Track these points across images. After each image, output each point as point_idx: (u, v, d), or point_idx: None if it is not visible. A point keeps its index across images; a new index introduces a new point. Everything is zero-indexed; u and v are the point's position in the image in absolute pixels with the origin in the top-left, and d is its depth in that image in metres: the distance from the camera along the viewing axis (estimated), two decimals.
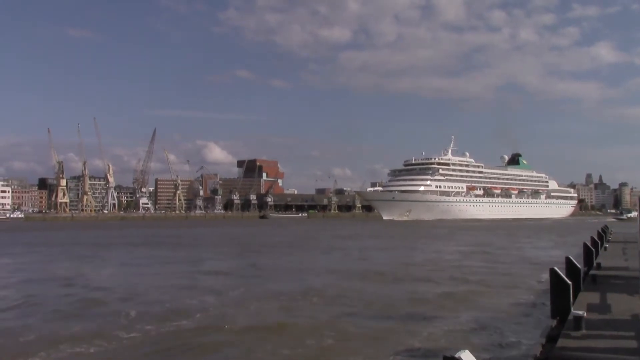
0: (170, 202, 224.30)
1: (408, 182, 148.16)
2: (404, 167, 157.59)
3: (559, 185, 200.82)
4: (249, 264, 31.81)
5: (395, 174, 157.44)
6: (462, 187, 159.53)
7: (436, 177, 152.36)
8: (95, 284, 24.29)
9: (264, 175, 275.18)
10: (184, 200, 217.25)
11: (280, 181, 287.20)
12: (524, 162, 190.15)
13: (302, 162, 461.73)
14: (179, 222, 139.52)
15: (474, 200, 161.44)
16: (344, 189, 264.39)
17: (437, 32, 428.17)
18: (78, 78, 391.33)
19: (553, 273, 10.76)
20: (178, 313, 17.02)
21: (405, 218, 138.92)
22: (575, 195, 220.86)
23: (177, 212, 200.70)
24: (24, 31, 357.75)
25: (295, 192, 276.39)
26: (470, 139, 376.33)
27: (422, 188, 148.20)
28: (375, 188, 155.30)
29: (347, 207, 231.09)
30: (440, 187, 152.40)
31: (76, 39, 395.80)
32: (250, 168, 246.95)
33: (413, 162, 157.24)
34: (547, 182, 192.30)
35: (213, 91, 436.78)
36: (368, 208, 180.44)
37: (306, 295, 20.33)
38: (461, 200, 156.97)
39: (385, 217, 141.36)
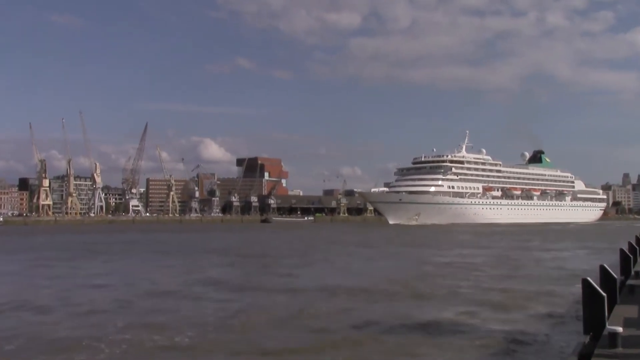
0: (163, 204, 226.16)
1: (417, 182, 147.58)
2: (412, 166, 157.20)
3: (587, 186, 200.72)
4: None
5: (403, 172, 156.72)
6: (478, 188, 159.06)
7: (448, 177, 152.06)
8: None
9: (266, 174, 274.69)
10: (178, 202, 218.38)
11: (284, 181, 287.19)
12: (547, 160, 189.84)
13: (308, 160, 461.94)
14: (172, 227, 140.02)
15: (491, 203, 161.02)
16: (354, 190, 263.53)
17: (455, 17, 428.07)
18: (62, 68, 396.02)
19: (585, 284, 10.56)
20: None
21: (414, 222, 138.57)
22: (604, 197, 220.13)
23: (170, 215, 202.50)
24: (2, 17, 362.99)
25: (301, 194, 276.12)
26: (487, 135, 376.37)
27: (432, 189, 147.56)
28: (381, 189, 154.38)
29: (357, 210, 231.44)
30: (453, 187, 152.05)
31: (59, 25, 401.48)
32: (251, 167, 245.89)
33: (423, 159, 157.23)
34: (572, 182, 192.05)
35: (210, 82, 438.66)
36: None
37: None
38: (477, 202, 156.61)
39: (391, 222, 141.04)
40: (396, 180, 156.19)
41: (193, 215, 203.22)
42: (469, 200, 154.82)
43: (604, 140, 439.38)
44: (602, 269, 13.28)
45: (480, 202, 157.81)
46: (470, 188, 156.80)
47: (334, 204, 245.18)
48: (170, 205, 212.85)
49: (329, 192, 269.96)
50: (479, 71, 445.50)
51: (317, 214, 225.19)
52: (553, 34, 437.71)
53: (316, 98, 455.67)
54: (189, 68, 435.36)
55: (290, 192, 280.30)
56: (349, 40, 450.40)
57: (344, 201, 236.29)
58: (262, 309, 20.41)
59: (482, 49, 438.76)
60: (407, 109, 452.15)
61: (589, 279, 10.65)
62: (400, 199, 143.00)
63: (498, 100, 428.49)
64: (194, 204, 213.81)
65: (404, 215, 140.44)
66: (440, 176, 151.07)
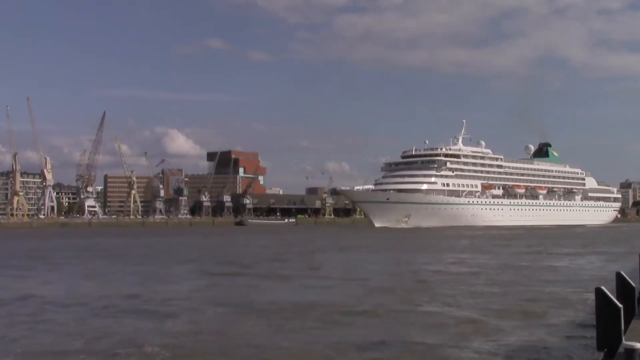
0: (123, 204, 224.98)
1: (407, 179, 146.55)
2: (401, 160, 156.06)
3: (599, 184, 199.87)
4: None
5: (391, 168, 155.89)
6: (476, 186, 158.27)
7: (443, 173, 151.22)
8: None
9: (241, 170, 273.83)
10: (141, 202, 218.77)
11: (261, 178, 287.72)
12: (555, 154, 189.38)
13: (289, 154, 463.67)
14: (133, 230, 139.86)
15: (491, 203, 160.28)
16: (342, 188, 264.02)
17: None
18: (7, 50, 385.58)
19: (599, 294, 10.75)
20: None
21: (403, 225, 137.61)
22: (619, 196, 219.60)
23: (131, 217, 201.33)
24: None
25: (281, 192, 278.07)
26: (488, 125, 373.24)
27: (424, 186, 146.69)
28: (366, 186, 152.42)
29: (345, 211, 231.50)
30: (447, 185, 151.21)
31: (4, 1, 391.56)
32: (224, 162, 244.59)
33: (414, 153, 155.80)
34: (583, 179, 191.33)
35: (177, 65, 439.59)
36: None
37: None
38: (475, 202, 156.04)
39: (377, 224, 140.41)
40: (383, 177, 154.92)
41: (157, 216, 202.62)
42: (466, 200, 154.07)
43: (621, 132, 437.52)
44: (619, 277, 13.35)
45: (479, 202, 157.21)
46: (467, 186, 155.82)
47: (318, 204, 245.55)
48: (132, 205, 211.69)
49: (312, 191, 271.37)
50: (482, 54, 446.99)
51: (300, 216, 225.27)
52: (565, 12, 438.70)
53: (298, 83, 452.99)
54: (153, 49, 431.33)
55: (268, 191, 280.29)
56: (335, 18, 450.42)
57: (329, 201, 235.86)
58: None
59: (486, 28, 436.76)
60: (402, 96, 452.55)
61: (603, 288, 10.74)
62: (387, 198, 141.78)
63: (502, 87, 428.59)
64: (159, 204, 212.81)
65: (392, 217, 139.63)
66: (434, 172, 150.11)
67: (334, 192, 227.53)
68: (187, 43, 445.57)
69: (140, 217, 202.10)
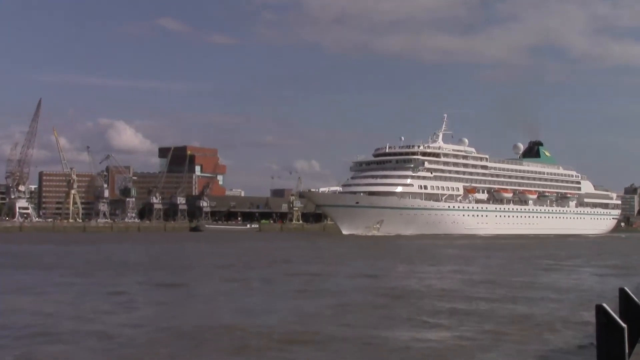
0: (60, 206, 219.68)
1: (379, 181, 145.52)
2: (373, 159, 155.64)
3: (596, 188, 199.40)
4: None
5: (362, 167, 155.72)
6: (458, 189, 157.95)
7: (420, 174, 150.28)
8: None
9: (198, 169, 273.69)
10: (82, 203, 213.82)
11: (220, 178, 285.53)
12: (547, 153, 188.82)
13: (252, 151, 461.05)
14: (71, 236, 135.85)
15: (475, 208, 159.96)
16: (312, 190, 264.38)
17: None
18: None
19: (601, 311, 10.82)
20: None
21: (374, 232, 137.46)
22: (619, 202, 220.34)
23: (70, 220, 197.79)
24: None
25: (242, 194, 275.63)
26: (472, 120, 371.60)
27: (399, 189, 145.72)
28: (332, 188, 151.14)
29: (315, 216, 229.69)
30: (425, 187, 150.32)
31: None
32: (178, 159, 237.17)
33: (387, 151, 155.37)
34: (579, 183, 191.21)
35: (124, 49, 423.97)
36: None
37: None
38: (456, 207, 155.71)
39: (345, 231, 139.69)
40: (352, 178, 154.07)
41: (101, 220, 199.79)
42: (446, 205, 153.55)
43: (624, 131, 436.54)
44: (623, 293, 13.49)
45: (461, 207, 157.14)
46: (447, 189, 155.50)
47: (285, 208, 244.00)
48: (71, 207, 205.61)
49: (278, 193, 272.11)
50: (471, 40, 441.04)
51: (263, 221, 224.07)
52: None
53: (264, 71, 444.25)
54: (96, 29, 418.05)
55: (228, 192, 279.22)
56: None
57: (298, 204, 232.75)
58: None
59: (476, 12, 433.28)
60: (380, 86, 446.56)
61: (604, 305, 10.87)
62: (356, 202, 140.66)
63: (490, 78, 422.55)
64: (102, 207, 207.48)
65: (362, 224, 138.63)
66: (410, 173, 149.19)
67: (303, 195, 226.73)
68: (136, 23, 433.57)
69: (80, 220, 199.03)
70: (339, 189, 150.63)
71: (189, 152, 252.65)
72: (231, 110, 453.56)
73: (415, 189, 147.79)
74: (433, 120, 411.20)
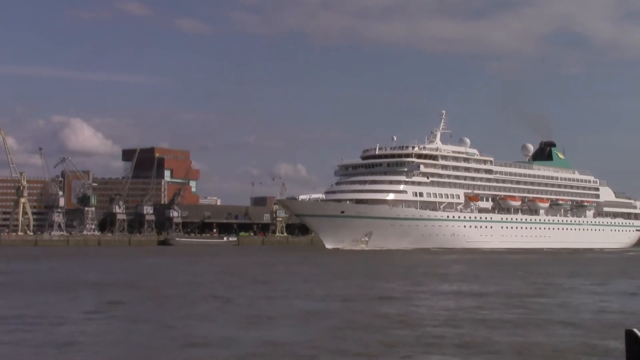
0: (8, 216, 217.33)
1: (368, 187, 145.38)
2: (361, 162, 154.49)
3: (617, 196, 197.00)
4: None
5: (348, 172, 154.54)
6: (458, 196, 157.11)
7: (415, 179, 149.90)
8: None
9: (167, 174, 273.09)
10: (33, 213, 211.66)
11: (193, 184, 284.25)
12: (561, 156, 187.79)
13: (229, 153, 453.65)
14: (21, 251, 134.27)
15: (478, 218, 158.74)
16: (297, 197, 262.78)
17: None
18: None
19: (630, 337, 10.84)
20: None
21: (362, 246, 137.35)
22: None
23: (20, 233, 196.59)
24: None
25: (219, 203, 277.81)
26: (474, 118, 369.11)
27: (391, 196, 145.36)
28: (314, 195, 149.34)
29: (301, 228, 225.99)
30: (421, 195, 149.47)
31: None
32: (145, 162, 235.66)
33: (378, 152, 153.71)
34: (597, 189, 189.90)
35: (81, 36, 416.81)
36: None
37: None
38: (456, 217, 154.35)
39: (328, 245, 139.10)
40: (337, 184, 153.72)
41: (55, 233, 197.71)
42: (445, 215, 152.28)
43: None
44: None
45: (462, 218, 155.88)
46: (446, 196, 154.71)
47: (267, 218, 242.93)
48: (20, 218, 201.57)
49: (260, 202, 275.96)
50: (477, 27, 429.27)
51: (242, 233, 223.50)
52: None
53: (242, 62, 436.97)
54: (49, 14, 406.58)
55: (202, 201, 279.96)
56: None
57: (281, 214, 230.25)
58: None
59: None
60: (376, 80, 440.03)
61: (635, 330, 10.87)
62: (342, 212, 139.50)
63: (498, 70, 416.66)
64: (57, 217, 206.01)
65: (348, 236, 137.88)
66: (403, 178, 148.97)
67: (279, 203, 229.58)
68: (93, 7, 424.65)
69: (31, 233, 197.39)
70: (321, 196, 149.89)
71: (157, 155, 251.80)
72: (205, 107, 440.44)
73: (409, 197, 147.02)
74: (430, 118, 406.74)
